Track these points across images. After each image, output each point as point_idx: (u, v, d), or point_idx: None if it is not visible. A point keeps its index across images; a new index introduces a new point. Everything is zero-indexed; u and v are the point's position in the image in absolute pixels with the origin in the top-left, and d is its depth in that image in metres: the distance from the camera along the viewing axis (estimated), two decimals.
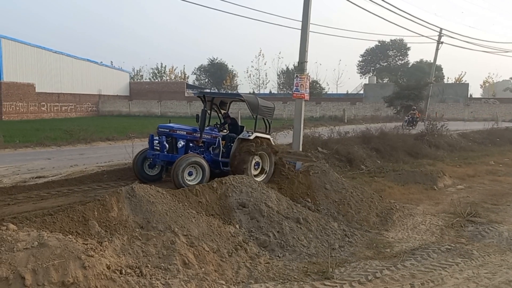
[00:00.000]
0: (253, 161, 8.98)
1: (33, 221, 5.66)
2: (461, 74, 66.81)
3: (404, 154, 16.00)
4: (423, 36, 34.03)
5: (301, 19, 13.13)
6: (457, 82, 62.09)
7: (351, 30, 72.42)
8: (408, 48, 67.68)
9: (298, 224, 7.22)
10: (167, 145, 8.58)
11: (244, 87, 68.32)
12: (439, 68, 59.38)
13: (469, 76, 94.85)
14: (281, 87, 65.60)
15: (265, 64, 77.13)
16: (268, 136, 9.55)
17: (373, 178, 12.51)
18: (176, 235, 5.94)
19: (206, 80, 69.86)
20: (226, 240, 6.38)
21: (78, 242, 4.87)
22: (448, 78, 66.06)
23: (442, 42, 34.10)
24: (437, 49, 34.69)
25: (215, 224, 6.65)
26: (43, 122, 30.94)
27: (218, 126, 9.71)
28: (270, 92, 64.15)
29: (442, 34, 33.83)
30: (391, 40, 66.61)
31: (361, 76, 71.40)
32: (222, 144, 9.22)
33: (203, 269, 5.53)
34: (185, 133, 8.88)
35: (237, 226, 6.89)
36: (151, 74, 69.31)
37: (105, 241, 5.34)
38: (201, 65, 69.77)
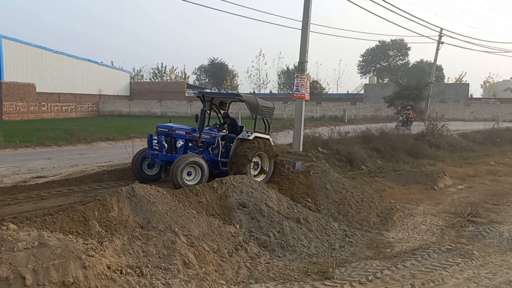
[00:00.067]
0: (252, 161, 8.97)
1: (33, 221, 5.67)
2: (461, 74, 66.99)
3: (404, 154, 16.01)
4: (423, 36, 33.90)
5: (301, 19, 13.12)
6: (458, 82, 62.08)
7: (352, 30, 73.06)
8: (409, 48, 67.79)
9: (298, 224, 7.22)
10: (166, 145, 8.57)
11: (244, 87, 68.47)
12: (440, 68, 59.36)
13: (469, 76, 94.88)
14: (281, 87, 65.60)
15: (265, 64, 77.08)
16: (267, 136, 9.55)
17: (374, 178, 12.50)
18: (177, 235, 5.94)
19: (207, 80, 69.88)
20: (227, 240, 6.38)
21: (79, 242, 4.88)
22: (448, 78, 66.24)
23: (442, 42, 34.15)
24: (437, 49, 34.75)
25: (216, 224, 6.65)
26: (43, 122, 30.97)
27: (218, 126, 9.71)
28: (271, 92, 64.15)
29: (442, 34, 33.88)
30: (391, 40, 66.74)
31: (361, 76, 71.52)
32: (221, 144, 9.21)
33: (203, 269, 5.53)
34: (184, 133, 8.88)
35: (238, 226, 6.89)
36: (152, 74, 69.50)
37: (106, 241, 5.34)
38: (202, 65, 70.00)
